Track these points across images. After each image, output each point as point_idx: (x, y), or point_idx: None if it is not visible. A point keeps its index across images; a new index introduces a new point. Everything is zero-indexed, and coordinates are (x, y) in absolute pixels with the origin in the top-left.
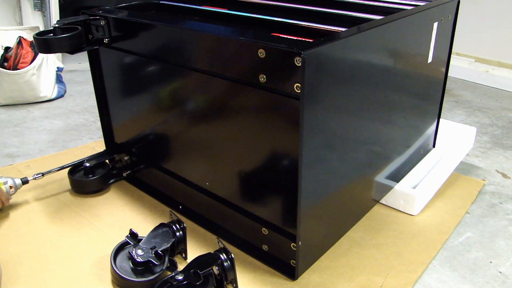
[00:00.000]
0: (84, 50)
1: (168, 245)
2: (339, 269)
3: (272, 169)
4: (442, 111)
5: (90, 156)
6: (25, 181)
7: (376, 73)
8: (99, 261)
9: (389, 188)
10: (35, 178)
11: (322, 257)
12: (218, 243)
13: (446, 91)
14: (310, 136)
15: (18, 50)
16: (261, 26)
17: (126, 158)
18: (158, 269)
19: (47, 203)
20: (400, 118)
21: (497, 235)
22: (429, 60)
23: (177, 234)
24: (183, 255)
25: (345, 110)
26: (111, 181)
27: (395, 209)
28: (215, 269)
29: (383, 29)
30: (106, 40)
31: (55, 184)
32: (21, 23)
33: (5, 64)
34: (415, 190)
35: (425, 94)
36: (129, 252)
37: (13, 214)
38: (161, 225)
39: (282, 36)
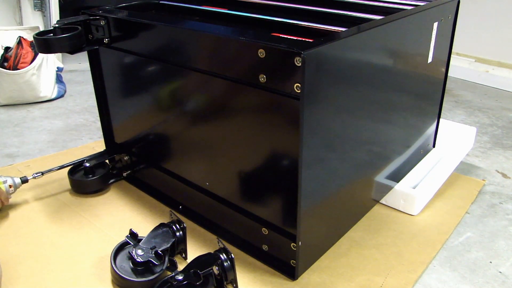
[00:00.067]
0: (84, 50)
1: (168, 245)
2: (339, 269)
3: (272, 169)
4: (442, 111)
5: (90, 155)
6: (24, 180)
7: (376, 73)
8: (99, 261)
9: (389, 188)
10: (34, 177)
11: (322, 257)
12: (218, 243)
13: (446, 91)
14: (310, 136)
15: (18, 50)
16: (261, 26)
17: (126, 158)
18: (158, 269)
19: (47, 203)
20: (400, 118)
21: (497, 235)
22: (429, 60)
23: (177, 234)
24: (183, 255)
25: (345, 110)
26: (111, 181)
27: (395, 209)
28: (215, 269)
29: (383, 29)
30: (106, 40)
31: (55, 184)
32: (21, 23)
33: (5, 64)
34: (415, 190)
35: (425, 94)
36: (129, 252)
37: (13, 214)
38: (161, 225)
39: (282, 36)
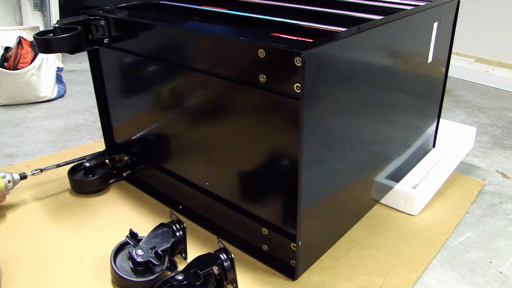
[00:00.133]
0: (84, 50)
1: (168, 245)
2: (339, 269)
3: (272, 169)
4: (442, 111)
5: (90, 155)
6: (23, 177)
7: (376, 73)
8: (99, 261)
9: (389, 188)
10: (33, 174)
11: (322, 257)
12: (218, 243)
13: (446, 91)
14: (310, 136)
15: (18, 50)
16: (261, 26)
17: (126, 158)
18: (158, 269)
19: (47, 203)
20: (400, 118)
21: (497, 235)
22: (429, 60)
23: (177, 234)
24: (183, 255)
25: (345, 110)
26: (111, 181)
27: (395, 209)
28: (215, 269)
29: (383, 29)
30: (106, 40)
31: (55, 184)
32: (21, 23)
33: (5, 64)
34: (415, 190)
35: (425, 94)
36: (129, 252)
37: (13, 214)
38: (161, 225)
39: (282, 36)
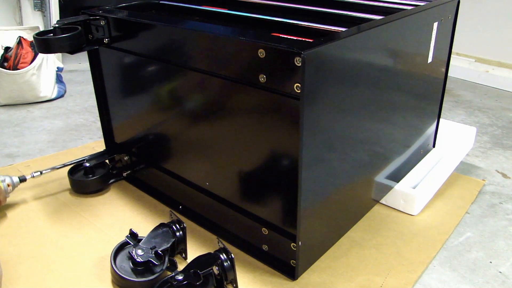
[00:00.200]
0: (84, 50)
1: (168, 245)
2: (339, 269)
3: (272, 169)
4: (442, 111)
5: (90, 155)
6: (22, 179)
7: (376, 73)
8: (99, 261)
9: (389, 188)
10: (33, 176)
11: (322, 257)
12: (218, 243)
13: (446, 91)
14: (310, 136)
15: (18, 50)
16: (261, 26)
17: (126, 158)
18: (158, 269)
19: (47, 203)
20: (400, 118)
21: (497, 235)
22: (429, 60)
23: (177, 234)
24: (183, 255)
25: (345, 110)
26: (111, 181)
27: (395, 209)
28: (215, 269)
29: (383, 29)
30: (106, 40)
31: (55, 184)
32: (21, 23)
33: (5, 64)
34: (415, 190)
35: (425, 94)
36: (129, 252)
37: (13, 214)
38: (161, 225)
39: (282, 36)
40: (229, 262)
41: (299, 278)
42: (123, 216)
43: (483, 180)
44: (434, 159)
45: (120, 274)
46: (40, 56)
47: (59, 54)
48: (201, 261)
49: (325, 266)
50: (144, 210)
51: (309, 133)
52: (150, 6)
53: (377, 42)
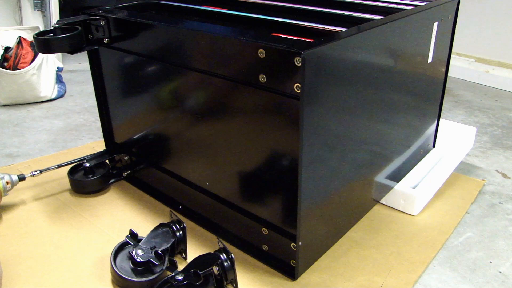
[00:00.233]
0: (84, 50)
1: (168, 245)
2: (339, 269)
3: (272, 169)
4: (442, 111)
5: (90, 155)
6: (21, 178)
7: (376, 73)
8: (99, 261)
9: (389, 188)
10: (32, 175)
11: (322, 257)
12: (218, 243)
13: (446, 91)
14: (310, 136)
15: (18, 50)
16: (261, 26)
17: (126, 158)
18: (158, 269)
19: (47, 203)
20: (400, 118)
21: (497, 235)
22: (429, 60)
23: (177, 234)
24: (183, 255)
25: (345, 110)
26: (111, 181)
27: (395, 209)
28: (215, 269)
29: (383, 29)
30: (106, 40)
31: (55, 183)
32: (21, 23)
33: (5, 64)
34: (415, 190)
35: (425, 94)
36: (129, 252)
37: (13, 214)
38: (161, 225)
39: (282, 36)
40: (229, 262)
41: (299, 278)
42: (123, 216)
43: (483, 180)
44: (434, 159)
45: (120, 274)
46: (40, 56)
47: (59, 54)
48: (201, 261)
49: (325, 266)
50: (144, 210)
51: (309, 133)
52: (150, 6)
53: (377, 42)
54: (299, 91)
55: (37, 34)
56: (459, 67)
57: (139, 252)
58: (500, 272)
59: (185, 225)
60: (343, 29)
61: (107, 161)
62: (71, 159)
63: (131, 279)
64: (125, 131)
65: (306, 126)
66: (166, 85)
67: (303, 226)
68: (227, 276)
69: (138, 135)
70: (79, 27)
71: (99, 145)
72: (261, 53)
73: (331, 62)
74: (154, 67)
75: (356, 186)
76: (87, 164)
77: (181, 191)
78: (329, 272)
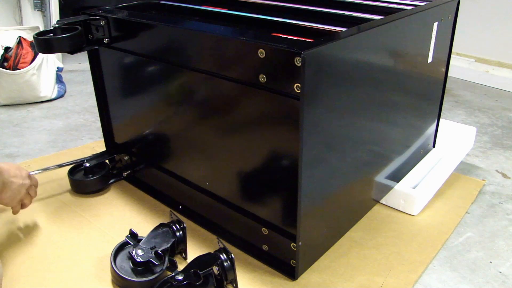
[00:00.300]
0: (84, 50)
1: (168, 245)
2: (339, 269)
3: (272, 169)
4: (442, 111)
5: (90, 156)
6: None
7: (376, 73)
8: (99, 261)
9: (389, 188)
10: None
11: (322, 257)
12: (218, 243)
13: (446, 91)
14: (310, 136)
15: (18, 50)
16: (261, 26)
17: (126, 158)
18: (158, 269)
19: (47, 203)
20: (400, 118)
21: (497, 235)
22: (429, 60)
23: (177, 234)
24: (183, 255)
25: (345, 110)
26: (111, 181)
27: (395, 209)
28: (215, 269)
29: (383, 29)
30: (106, 40)
31: (55, 184)
32: (21, 23)
33: (5, 64)
34: (415, 190)
35: (425, 94)
36: (129, 252)
37: (13, 214)
38: (161, 225)
39: (282, 36)
40: (229, 262)
41: (299, 278)
42: (123, 216)
43: (483, 180)
44: (434, 159)
45: (120, 274)
46: (40, 56)
47: (59, 54)
48: (201, 261)
49: (325, 266)
50: (144, 210)
51: (309, 133)
52: (150, 6)
53: (377, 42)
54: (299, 91)
55: (37, 34)
56: (459, 67)
57: (139, 252)
58: (500, 272)
59: (185, 225)
60: (343, 29)
61: (107, 161)
62: (72, 159)
63: (131, 279)
64: (125, 131)
65: (306, 126)
66: (166, 85)
67: (303, 226)
68: (227, 276)
69: (138, 135)
70: (79, 27)
71: (99, 145)
72: (261, 53)
73: (331, 62)
74: (154, 67)
75: (356, 186)
76: (87, 164)
77: (181, 191)
78: (329, 272)
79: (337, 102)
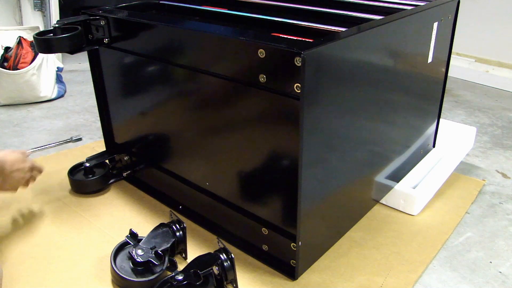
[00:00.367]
0: (84, 50)
1: (168, 245)
2: (339, 269)
3: (272, 169)
4: (442, 111)
5: (90, 156)
6: None
7: (376, 73)
8: (99, 261)
9: (389, 188)
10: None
11: (322, 257)
12: (218, 243)
13: (446, 91)
14: (310, 136)
15: (18, 50)
16: (261, 26)
17: (126, 158)
18: (158, 269)
19: (47, 203)
20: (400, 118)
21: (497, 235)
22: (429, 60)
23: (177, 234)
24: (183, 255)
25: (345, 110)
26: (111, 181)
27: (395, 209)
28: (215, 269)
29: (383, 29)
30: (106, 40)
31: (55, 184)
32: (21, 23)
33: (5, 64)
34: (415, 190)
35: (425, 94)
36: (129, 252)
37: (13, 214)
38: (161, 225)
39: (282, 36)
40: (229, 262)
41: (299, 278)
42: (123, 216)
43: (483, 180)
44: (434, 159)
45: (120, 274)
46: (40, 56)
47: (59, 54)
48: (201, 261)
49: (325, 266)
50: (144, 210)
51: (309, 133)
52: (150, 6)
53: (377, 42)
54: (299, 91)
55: (37, 34)
56: (459, 67)
57: (139, 252)
58: (500, 272)
59: (185, 225)
60: (343, 29)
61: (107, 161)
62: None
63: (131, 279)
64: (125, 131)
65: (306, 126)
66: (165, 85)
67: (303, 226)
68: (227, 276)
69: (138, 135)
70: (79, 27)
71: (99, 145)
72: (261, 53)
73: (331, 62)
74: (154, 67)
75: (356, 186)
76: (87, 164)
77: (181, 191)
78: (329, 272)
79: (337, 102)
